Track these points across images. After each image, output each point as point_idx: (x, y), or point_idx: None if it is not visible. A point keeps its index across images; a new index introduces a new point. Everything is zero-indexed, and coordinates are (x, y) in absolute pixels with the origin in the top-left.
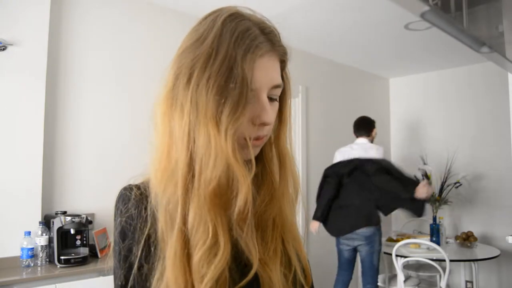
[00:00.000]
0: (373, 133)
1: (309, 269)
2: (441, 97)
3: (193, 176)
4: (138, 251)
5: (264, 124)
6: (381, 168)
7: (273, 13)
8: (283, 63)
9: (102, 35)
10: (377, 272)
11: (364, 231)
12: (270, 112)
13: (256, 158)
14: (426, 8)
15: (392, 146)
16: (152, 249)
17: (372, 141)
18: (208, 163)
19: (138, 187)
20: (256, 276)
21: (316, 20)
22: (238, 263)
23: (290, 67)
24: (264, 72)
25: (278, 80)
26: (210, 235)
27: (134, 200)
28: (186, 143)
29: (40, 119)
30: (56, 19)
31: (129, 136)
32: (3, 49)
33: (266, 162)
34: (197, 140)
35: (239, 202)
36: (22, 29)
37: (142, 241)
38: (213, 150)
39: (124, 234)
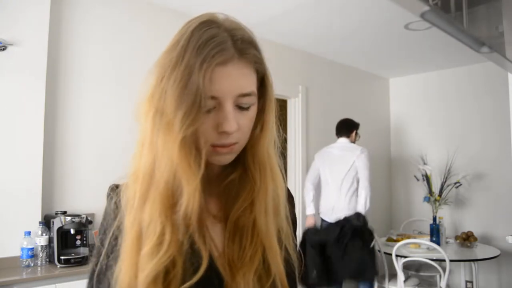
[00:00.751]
0: (353, 134)
1: (285, 280)
2: (441, 97)
3: (153, 178)
4: (106, 243)
5: (225, 132)
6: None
7: (273, 13)
8: (259, 71)
9: (102, 35)
10: None
11: None
12: (232, 121)
13: (236, 162)
14: (426, 8)
15: (392, 146)
16: (119, 241)
17: (353, 142)
18: (160, 166)
19: (117, 185)
20: (222, 283)
21: (316, 20)
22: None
23: (290, 67)
24: (227, 80)
25: (247, 89)
26: (157, 234)
27: (111, 198)
28: (149, 145)
29: (40, 119)
30: (56, 19)
31: (129, 136)
32: (3, 49)
33: (247, 168)
34: (157, 143)
35: (183, 206)
36: (22, 29)
37: (110, 234)
38: (164, 154)
39: (100, 228)
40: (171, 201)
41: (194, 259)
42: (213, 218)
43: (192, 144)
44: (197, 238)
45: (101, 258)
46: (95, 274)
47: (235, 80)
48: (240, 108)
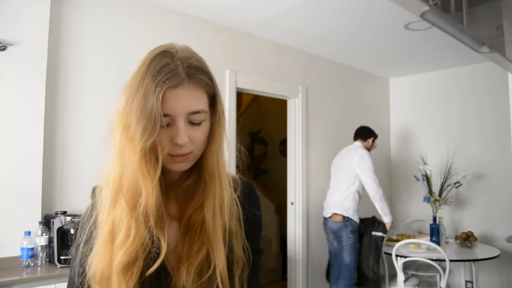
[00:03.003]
0: (370, 140)
1: (227, 275)
2: (441, 97)
3: (121, 184)
4: (83, 236)
5: (177, 144)
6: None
7: (273, 13)
8: (210, 92)
9: (102, 35)
10: (349, 269)
11: (332, 225)
12: (182, 135)
13: (192, 169)
14: (426, 8)
15: (392, 146)
16: (93, 235)
17: (367, 148)
18: (125, 173)
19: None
20: (167, 270)
21: (316, 20)
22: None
23: (290, 67)
24: (178, 102)
25: (196, 107)
26: (125, 229)
27: (91, 197)
28: (118, 156)
29: (40, 119)
30: (56, 19)
31: None
32: (3, 49)
33: (201, 174)
34: (124, 154)
35: (142, 204)
36: (22, 29)
37: (87, 228)
38: (128, 163)
39: (81, 221)
40: (134, 203)
41: (152, 252)
42: (171, 217)
43: (151, 154)
44: (158, 231)
45: (80, 248)
46: (73, 260)
47: (185, 100)
48: (192, 123)
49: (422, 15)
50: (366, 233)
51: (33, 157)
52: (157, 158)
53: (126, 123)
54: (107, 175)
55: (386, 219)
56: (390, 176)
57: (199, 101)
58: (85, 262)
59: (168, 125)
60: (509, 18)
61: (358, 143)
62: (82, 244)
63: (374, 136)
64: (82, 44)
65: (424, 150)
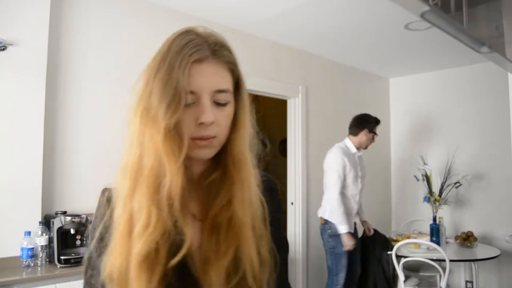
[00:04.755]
0: (362, 134)
1: (257, 270)
2: (441, 97)
3: (141, 169)
4: (97, 233)
5: (202, 123)
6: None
7: (273, 13)
8: (234, 72)
9: (102, 35)
10: (331, 273)
11: (320, 227)
12: (208, 113)
13: (216, 164)
14: (426, 8)
15: (392, 146)
16: (109, 230)
17: (360, 143)
18: (147, 155)
19: (109, 189)
20: (194, 277)
21: (316, 20)
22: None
23: (290, 67)
24: (203, 77)
25: (222, 86)
26: (145, 217)
27: (104, 197)
28: (137, 140)
29: (40, 119)
30: (56, 19)
31: None
32: (3, 49)
33: (226, 168)
34: (144, 137)
35: (166, 185)
36: (22, 29)
37: (101, 224)
38: (150, 144)
39: (93, 223)
40: (156, 186)
41: (176, 243)
42: (192, 217)
43: (176, 135)
44: (182, 219)
45: (92, 246)
46: (89, 261)
47: (210, 76)
48: (217, 104)
49: (422, 15)
50: (375, 253)
51: (33, 157)
52: (181, 140)
53: (145, 105)
54: (124, 164)
55: (342, 229)
56: (390, 176)
57: (225, 79)
58: (99, 264)
59: (190, 104)
60: (509, 18)
61: (347, 139)
62: (95, 241)
63: (369, 126)
64: (82, 44)
65: (424, 150)
